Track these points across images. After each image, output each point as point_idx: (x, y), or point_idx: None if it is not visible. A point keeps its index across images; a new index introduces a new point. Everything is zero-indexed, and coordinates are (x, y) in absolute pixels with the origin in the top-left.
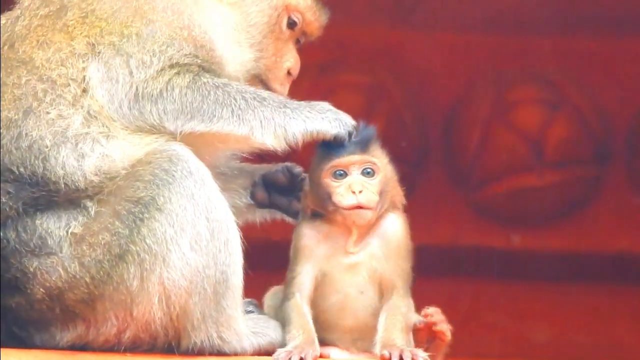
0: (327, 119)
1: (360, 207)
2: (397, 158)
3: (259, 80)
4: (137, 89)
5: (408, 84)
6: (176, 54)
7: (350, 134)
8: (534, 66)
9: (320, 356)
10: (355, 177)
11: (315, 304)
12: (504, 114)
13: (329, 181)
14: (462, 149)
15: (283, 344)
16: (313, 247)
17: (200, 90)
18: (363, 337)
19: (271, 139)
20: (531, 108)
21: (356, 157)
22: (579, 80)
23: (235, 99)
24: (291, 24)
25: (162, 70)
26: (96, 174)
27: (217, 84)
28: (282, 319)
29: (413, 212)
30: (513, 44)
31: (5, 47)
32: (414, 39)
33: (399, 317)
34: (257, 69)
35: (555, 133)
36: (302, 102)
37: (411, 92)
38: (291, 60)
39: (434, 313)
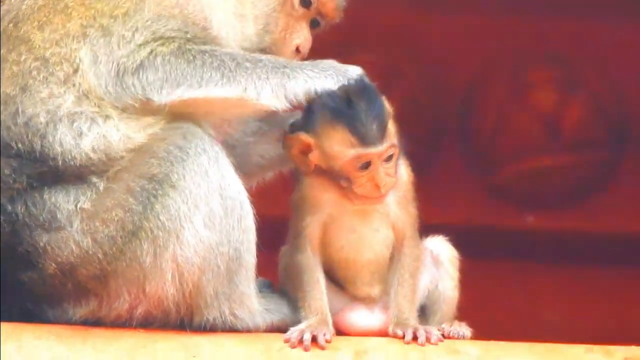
0: (331, 76)
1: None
2: (413, 139)
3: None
4: (117, 66)
5: (424, 65)
6: (162, 28)
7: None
8: (551, 48)
9: (337, 325)
10: (378, 168)
11: (330, 243)
12: (520, 95)
13: (350, 169)
14: (478, 130)
15: (296, 321)
16: (320, 196)
17: (185, 55)
18: (380, 269)
19: (269, 99)
20: (547, 90)
21: (380, 149)
22: (595, 62)
23: (223, 61)
24: (305, 3)
25: (144, 43)
26: (94, 152)
27: (203, 50)
28: (292, 273)
29: (428, 192)
30: (529, 26)
31: (10, 25)
32: (431, 20)
33: (408, 280)
34: (263, 42)
35: (571, 115)
36: (305, 61)
37: (427, 73)
38: (301, 38)
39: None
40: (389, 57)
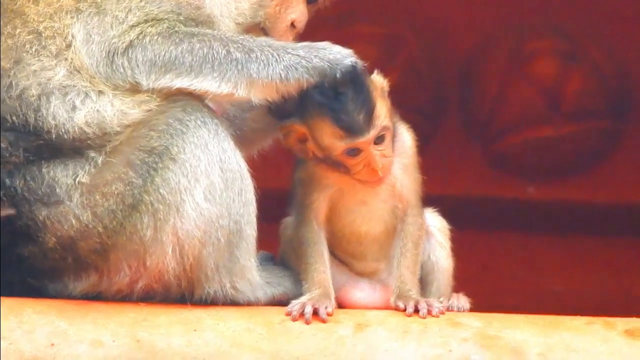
0: (323, 69)
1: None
2: (414, 109)
3: (260, 29)
4: (108, 46)
5: (425, 36)
6: (155, 10)
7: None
8: (552, 18)
9: (339, 301)
10: (372, 153)
11: (341, 217)
12: (521, 65)
13: (344, 159)
14: (479, 101)
15: (298, 294)
16: (327, 174)
17: (172, 37)
18: (389, 242)
19: (259, 96)
20: (548, 60)
21: (369, 136)
22: (596, 32)
23: (213, 49)
24: None
25: (135, 24)
26: (89, 126)
27: (192, 32)
28: (296, 246)
29: (429, 163)
30: None
31: None
32: None
33: (411, 249)
34: (257, 17)
35: (572, 85)
36: (298, 45)
37: (428, 44)
38: (297, 12)
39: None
40: (390, 27)
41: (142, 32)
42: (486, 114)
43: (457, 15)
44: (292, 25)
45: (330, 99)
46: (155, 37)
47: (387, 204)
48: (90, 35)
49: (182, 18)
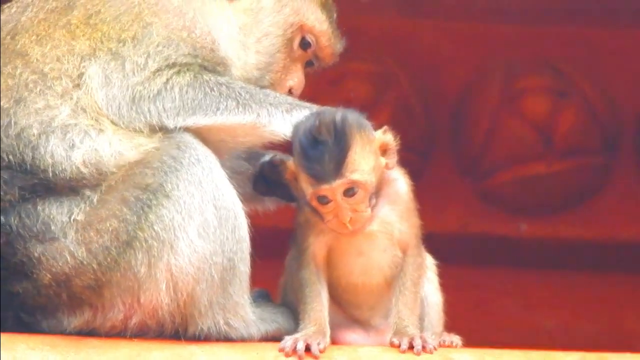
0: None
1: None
2: (405, 147)
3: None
4: (133, 92)
5: (416, 73)
6: (173, 54)
7: None
8: (543, 55)
9: (333, 342)
10: (340, 203)
11: (338, 267)
12: (513, 102)
13: (316, 205)
14: (471, 138)
15: (292, 331)
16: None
17: (203, 87)
18: (386, 294)
19: (279, 124)
20: (540, 97)
21: (334, 184)
22: (587, 69)
23: (239, 93)
24: (304, 45)
25: (158, 70)
26: (85, 166)
27: (220, 82)
28: (295, 287)
29: (421, 200)
30: (522, 33)
31: (8, 37)
32: (423, 28)
33: (410, 288)
34: (261, 80)
35: (563, 122)
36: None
37: (419, 81)
38: (295, 80)
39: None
40: (382, 65)
41: (168, 81)
42: (477, 150)
43: (448, 53)
44: (290, 91)
45: (309, 144)
46: (185, 89)
47: (387, 254)
48: (110, 80)
49: (199, 60)
